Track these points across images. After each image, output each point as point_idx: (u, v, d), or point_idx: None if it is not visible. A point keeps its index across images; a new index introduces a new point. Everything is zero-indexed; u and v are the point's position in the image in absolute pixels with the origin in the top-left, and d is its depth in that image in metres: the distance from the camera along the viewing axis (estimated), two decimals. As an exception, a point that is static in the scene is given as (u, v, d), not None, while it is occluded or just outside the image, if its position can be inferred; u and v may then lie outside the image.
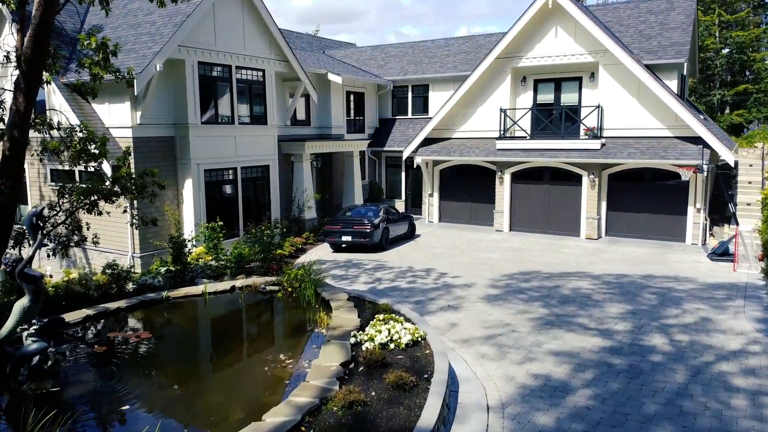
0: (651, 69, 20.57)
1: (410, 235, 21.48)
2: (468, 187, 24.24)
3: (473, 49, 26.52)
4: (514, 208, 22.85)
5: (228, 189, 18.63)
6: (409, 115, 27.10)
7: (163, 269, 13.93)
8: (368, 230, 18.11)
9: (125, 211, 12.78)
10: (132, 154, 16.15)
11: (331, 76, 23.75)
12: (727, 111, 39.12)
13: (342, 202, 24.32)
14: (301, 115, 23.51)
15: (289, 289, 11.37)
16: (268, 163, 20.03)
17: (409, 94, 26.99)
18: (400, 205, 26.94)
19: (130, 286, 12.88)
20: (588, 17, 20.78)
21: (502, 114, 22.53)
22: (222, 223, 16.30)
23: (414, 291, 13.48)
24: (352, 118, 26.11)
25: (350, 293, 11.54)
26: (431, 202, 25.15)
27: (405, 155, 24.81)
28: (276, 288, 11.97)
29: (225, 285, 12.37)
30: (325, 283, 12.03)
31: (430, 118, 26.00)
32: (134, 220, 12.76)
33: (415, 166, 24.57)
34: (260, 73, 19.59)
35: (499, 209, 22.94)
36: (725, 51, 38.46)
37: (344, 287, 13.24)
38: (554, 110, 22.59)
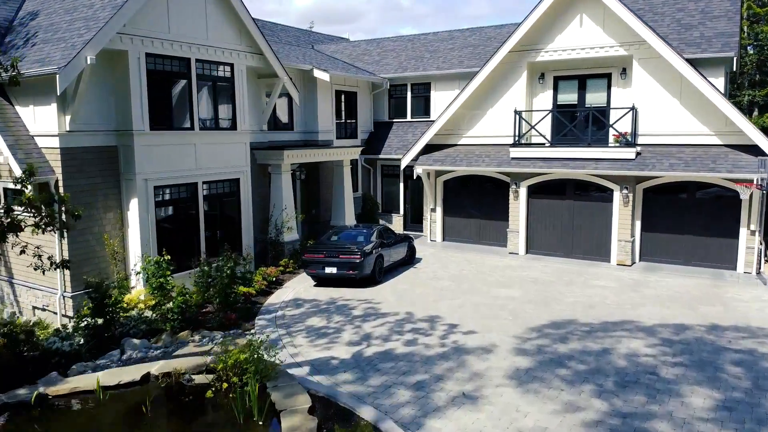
0: (692, 64, 17.24)
1: (409, 260, 18.14)
2: (476, 201, 20.90)
3: (482, 42, 23.18)
4: (531, 227, 19.49)
5: (186, 209, 15.29)
6: (408, 118, 23.75)
7: (83, 323, 10.60)
8: (357, 260, 14.72)
9: (23, 252, 9.41)
10: (60, 169, 12.89)
11: (318, 73, 20.40)
12: (756, 113, 35.81)
13: (331, 218, 20.99)
14: (282, 118, 20.18)
15: (225, 385, 7.97)
16: (238, 176, 16.68)
17: (408, 94, 23.63)
18: (398, 220, 23.59)
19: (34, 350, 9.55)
20: (619, 2, 17.43)
21: (517, 117, 19.18)
22: (169, 257, 12.93)
23: (413, 362, 9.98)
24: (343, 121, 22.76)
25: (316, 392, 8.23)
26: (433, 218, 21.80)
27: (403, 164, 21.48)
28: (209, 378, 8.54)
29: (134, 373, 8.93)
30: (282, 371, 8.63)
31: (433, 121, 22.68)
32: (38, 263, 9.41)
33: (414, 177, 21.22)
34: (227, 68, 16.25)
35: (513, 228, 19.60)
36: (750, 49, 35.22)
37: (314, 364, 9.86)
38: (578, 112, 19.24)
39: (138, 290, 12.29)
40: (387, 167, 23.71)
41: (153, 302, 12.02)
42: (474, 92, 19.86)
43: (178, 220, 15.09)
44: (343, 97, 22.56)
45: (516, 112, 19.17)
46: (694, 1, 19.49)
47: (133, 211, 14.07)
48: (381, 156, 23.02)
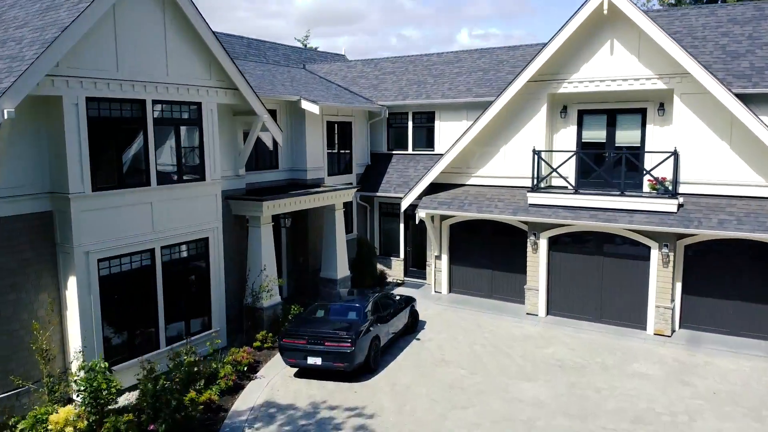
0: (742, 100, 14.62)
1: (412, 327, 15.52)
2: (488, 249, 18.26)
3: (492, 65, 20.51)
4: (552, 284, 16.85)
5: (140, 282, 12.63)
6: (410, 150, 21.09)
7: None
8: (347, 349, 11.99)
9: None
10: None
11: (306, 104, 17.75)
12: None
13: (321, 267, 18.34)
14: (264, 155, 17.55)
15: None
16: (207, 234, 14.03)
17: (410, 123, 20.97)
18: (397, 265, 20.94)
19: None
20: (658, 27, 14.78)
21: (536, 157, 16.53)
22: (107, 364, 10.28)
23: None
24: (336, 153, 20.10)
25: None
26: (438, 266, 19.16)
27: (404, 205, 18.85)
28: None
29: None
30: None
31: (437, 154, 20.14)
32: None
33: (417, 221, 18.57)
34: (194, 108, 13.60)
35: (532, 285, 16.95)
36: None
37: None
38: (607, 153, 16.60)
39: (63, 411, 9.60)
40: (385, 205, 21.07)
41: (83, 426, 9.36)
42: (485, 127, 17.23)
43: (131, 296, 12.43)
44: (336, 127, 19.91)
45: (534, 152, 16.52)
46: (740, 25, 16.82)
47: (72, 290, 11.43)
48: (378, 193, 20.37)
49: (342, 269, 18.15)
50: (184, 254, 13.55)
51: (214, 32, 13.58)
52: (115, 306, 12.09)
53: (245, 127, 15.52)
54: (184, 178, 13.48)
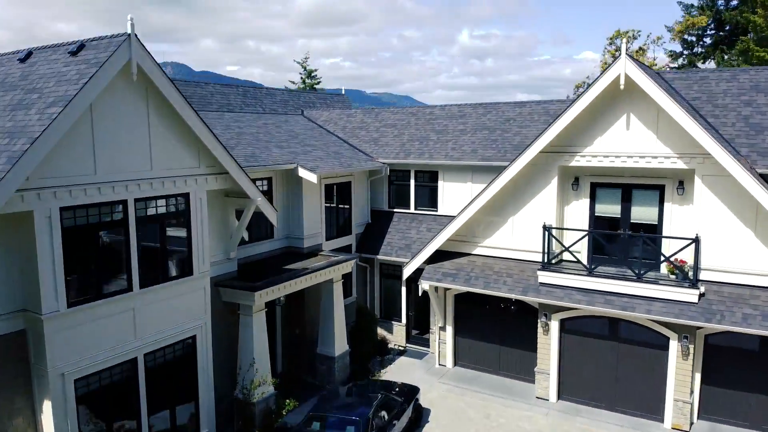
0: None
1: (415, 422, 14.57)
2: (495, 323, 17.34)
3: (498, 124, 19.55)
4: (564, 368, 15.91)
5: (122, 395, 11.68)
6: (412, 209, 20.15)
7: None
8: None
9: None
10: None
11: (303, 173, 16.83)
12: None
13: (318, 341, 17.39)
14: (258, 224, 16.59)
15: None
16: (194, 332, 13.09)
17: (412, 182, 20.03)
18: (399, 330, 20.00)
19: None
20: (678, 103, 13.84)
21: (547, 234, 15.59)
22: None
23: None
24: (334, 213, 19.16)
25: None
26: (443, 337, 18.22)
27: (406, 274, 17.92)
28: None
29: None
30: None
31: (441, 215, 19.23)
32: None
33: (420, 293, 17.63)
34: (181, 200, 12.66)
35: (542, 368, 16.01)
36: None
37: None
38: (622, 230, 15.65)
39: None
40: (386, 266, 20.12)
41: None
42: (493, 196, 16.29)
43: (112, 410, 11.49)
44: (334, 188, 18.96)
45: (545, 228, 15.58)
46: (765, 93, 15.86)
47: (48, 415, 10.49)
48: (379, 256, 19.45)
49: (340, 344, 17.21)
50: (170, 357, 12.61)
51: (202, 119, 12.64)
52: (95, 424, 11.15)
53: (237, 205, 14.58)
54: (170, 275, 12.53)
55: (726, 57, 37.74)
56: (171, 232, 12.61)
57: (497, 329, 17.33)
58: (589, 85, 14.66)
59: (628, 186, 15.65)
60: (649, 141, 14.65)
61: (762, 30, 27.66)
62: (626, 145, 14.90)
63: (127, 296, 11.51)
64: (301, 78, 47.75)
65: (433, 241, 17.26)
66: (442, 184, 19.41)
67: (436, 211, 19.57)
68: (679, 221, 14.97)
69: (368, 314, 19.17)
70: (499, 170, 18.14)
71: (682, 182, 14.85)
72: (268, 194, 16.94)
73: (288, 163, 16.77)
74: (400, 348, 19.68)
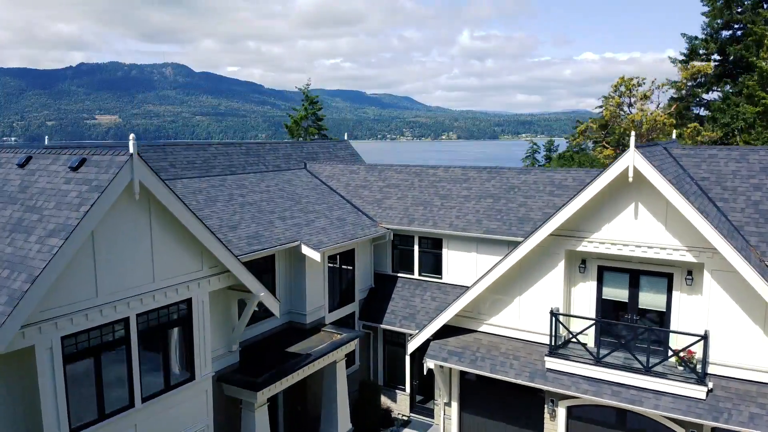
0: (779, 271, 13.51)
1: None
2: (502, 402, 17.15)
3: (503, 192, 19.36)
4: (570, 456, 15.72)
5: None
6: (415, 275, 19.97)
7: None
8: None
9: None
10: None
11: (306, 250, 16.67)
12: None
13: (321, 417, 17.21)
14: (259, 305, 16.38)
15: None
16: (198, 438, 12.92)
17: (416, 247, 19.86)
18: (403, 399, 19.83)
19: None
20: (686, 197, 13.64)
21: (554, 319, 15.41)
22: None
23: None
24: (338, 282, 18.99)
25: None
26: (448, 413, 18.04)
27: (410, 349, 17.73)
28: None
29: None
30: None
31: (445, 284, 19.09)
32: None
33: (425, 371, 17.45)
34: (183, 307, 12.50)
35: (547, 454, 15.84)
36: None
37: None
38: (629, 323, 15.47)
39: None
40: (390, 333, 19.95)
41: None
42: (500, 277, 16.12)
43: None
44: (338, 257, 18.79)
45: (552, 313, 15.41)
46: (774, 176, 15.68)
47: None
48: (383, 325, 19.28)
49: (343, 424, 17.04)
50: (173, 466, 12.43)
51: (203, 223, 12.47)
52: None
53: (240, 296, 14.41)
54: (172, 384, 12.35)
55: (730, 89, 37.59)
56: (172, 338, 12.43)
57: (504, 408, 17.14)
58: (598, 175, 14.48)
59: (636, 271, 15.46)
60: (657, 232, 14.47)
61: (768, 74, 27.52)
62: (634, 234, 14.72)
63: (129, 413, 11.35)
64: (303, 106, 47.62)
65: (438, 318, 17.07)
66: (446, 252, 19.24)
67: (441, 278, 19.40)
68: (688, 310, 14.79)
69: (372, 385, 19.00)
70: (505, 244, 18.02)
71: (691, 272, 14.67)
72: (270, 271, 16.80)
73: (291, 242, 16.59)
74: (405, 418, 19.51)
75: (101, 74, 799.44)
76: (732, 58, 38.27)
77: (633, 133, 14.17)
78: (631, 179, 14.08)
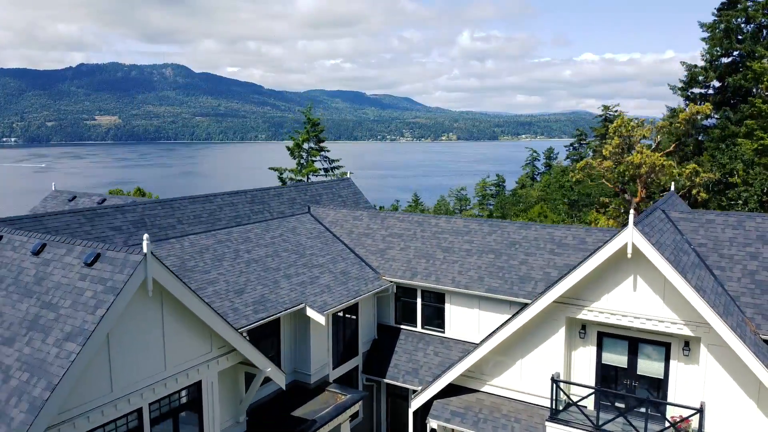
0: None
1: None
2: (501, 461, 17.45)
3: (504, 247, 19.70)
4: None
5: None
6: (418, 327, 20.32)
7: None
8: None
9: None
10: None
11: (311, 313, 17.03)
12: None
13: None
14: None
15: None
16: None
17: (418, 300, 20.20)
18: (405, 449, 20.16)
19: None
20: (684, 280, 13.96)
21: (555, 386, 15.75)
22: None
23: None
24: (342, 330, 19.33)
25: None
26: (450, 468, 18.37)
27: (414, 407, 18.02)
28: None
29: None
30: None
31: (448, 338, 19.44)
32: None
33: (429, 430, 17.78)
34: (193, 389, 12.83)
35: None
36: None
37: None
38: (628, 383, 15.81)
39: None
40: (393, 386, 20.28)
41: None
42: (503, 342, 16.46)
43: None
44: (342, 312, 19.13)
45: (553, 380, 15.74)
46: (770, 245, 16.01)
47: None
48: (386, 380, 19.62)
49: (348, 481, 17.39)
50: None
51: (214, 309, 12.80)
52: None
53: (247, 370, 14.73)
54: (182, 470, 12.70)
55: (729, 117, 37.93)
56: (182, 421, 12.77)
57: (504, 466, 17.46)
58: (597, 250, 14.82)
59: (635, 339, 15.80)
60: (655, 305, 14.81)
61: (767, 115, 27.83)
62: (633, 305, 15.07)
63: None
64: (305, 128, 47.96)
65: (442, 378, 17.40)
66: (449, 307, 19.58)
67: (443, 332, 19.75)
68: (685, 379, 15.14)
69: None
70: (507, 303, 18.37)
71: (688, 343, 15.01)
72: (275, 333, 17.16)
73: (296, 305, 16.94)
74: (408, 469, 19.82)
75: (101, 75, 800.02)
76: (731, 87, 38.64)
77: (632, 211, 14.51)
78: (629, 255, 14.43)
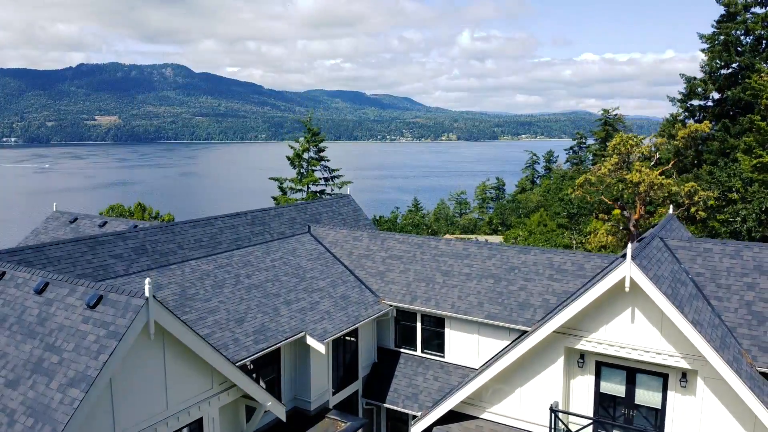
0: (770, 374, 13.97)
1: None
2: (500, 487, 17.58)
3: (503, 272, 19.82)
4: None
5: None
6: (418, 352, 20.44)
7: None
8: None
9: None
10: None
11: (311, 341, 17.16)
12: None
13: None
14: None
15: None
16: None
17: (418, 324, 20.33)
18: (405, 472, 20.30)
19: None
20: (681, 315, 14.08)
21: (553, 416, 15.88)
22: None
23: None
24: (342, 355, 19.46)
25: None
26: (449, 492, 18.49)
27: None
28: None
29: None
30: None
31: (447, 363, 19.54)
32: None
33: (427, 455, 17.90)
34: (194, 426, 12.95)
35: None
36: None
37: None
38: (626, 412, 15.93)
39: None
40: (393, 411, 20.38)
41: None
42: (502, 371, 16.59)
43: None
44: (342, 337, 19.25)
45: (552, 410, 15.88)
46: (767, 276, 16.13)
47: None
48: (386, 404, 19.74)
49: (349, 508, 17.51)
50: None
51: (213, 347, 12.92)
52: None
53: (247, 403, 14.86)
54: (184, 505, 12.82)
55: (729, 129, 38.06)
56: (186, 457, 12.89)
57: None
58: (594, 282, 14.94)
59: (633, 369, 15.92)
60: (653, 337, 14.93)
61: (766, 133, 27.96)
62: (631, 337, 15.18)
63: None
64: (306, 138, 48.07)
65: (441, 405, 17.49)
66: (449, 332, 19.71)
67: (443, 357, 19.87)
68: (682, 410, 15.25)
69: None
70: (506, 330, 18.50)
71: (685, 374, 15.12)
72: (275, 362, 17.27)
73: (296, 333, 17.06)
74: (407, 492, 19.96)
75: (101, 75, 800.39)
76: (730, 100, 38.76)
77: (629, 248, 14.63)
78: (627, 289, 14.55)
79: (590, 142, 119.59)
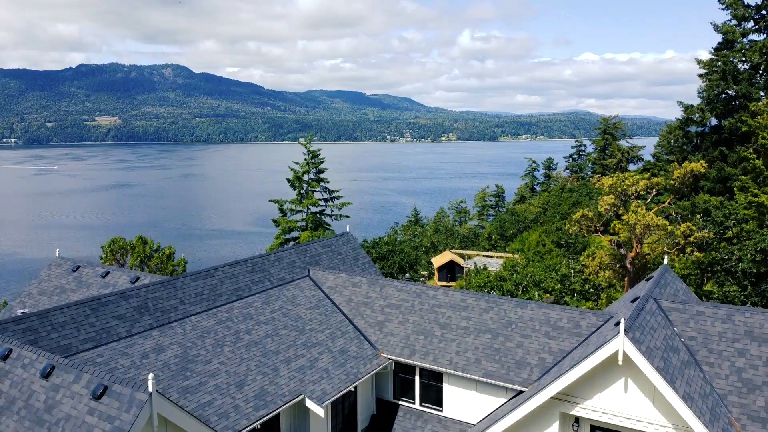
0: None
1: None
2: None
3: (500, 326, 20.11)
4: None
5: None
6: (416, 405, 20.73)
7: None
8: None
9: None
10: None
11: (310, 404, 17.45)
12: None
13: None
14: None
15: None
16: None
17: (416, 378, 20.62)
18: None
19: None
20: (673, 390, 14.37)
21: (548, 481, 16.20)
22: None
23: None
24: (341, 408, 19.76)
25: None
26: None
27: (411, 487, 18.52)
28: None
29: None
30: None
31: (446, 417, 19.84)
32: None
33: None
34: (199, 508, 13.23)
35: None
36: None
37: None
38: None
39: None
40: (392, 460, 20.71)
41: None
42: (496, 432, 16.91)
43: None
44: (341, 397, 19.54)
45: (546, 475, 16.18)
46: (758, 343, 16.39)
47: None
48: (385, 457, 20.04)
49: None
50: None
51: (215, 430, 13.21)
52: None
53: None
54: None
55: (726, 156, 38.33)
56: None
57: None
58: (588, 354, 15.25)
59: (626, 434, 16.24)
60: (645, 407, 15.24)
61: (761, 172, 28.27)
62: (624, 406, 15.49)
63: None
64: (306, 160, 48.38)
65: (438, 463, 17.87)
66: (447, 387, 19.99)
67: (441, 411, 20.15)
68: (675, 478, 15.56)
69: None
70: (503, 388, 18.79)
71: (678, 443, 15.43)
72: (275, 425, 17.55)
73: (296, 397, 17.36)
74: None
75: (101, 75, 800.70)
76: (727, 129, 39.06)
77: (622, 320, 14.93)
78: (620, 362, 14.86)
79: (589, 150, 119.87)
